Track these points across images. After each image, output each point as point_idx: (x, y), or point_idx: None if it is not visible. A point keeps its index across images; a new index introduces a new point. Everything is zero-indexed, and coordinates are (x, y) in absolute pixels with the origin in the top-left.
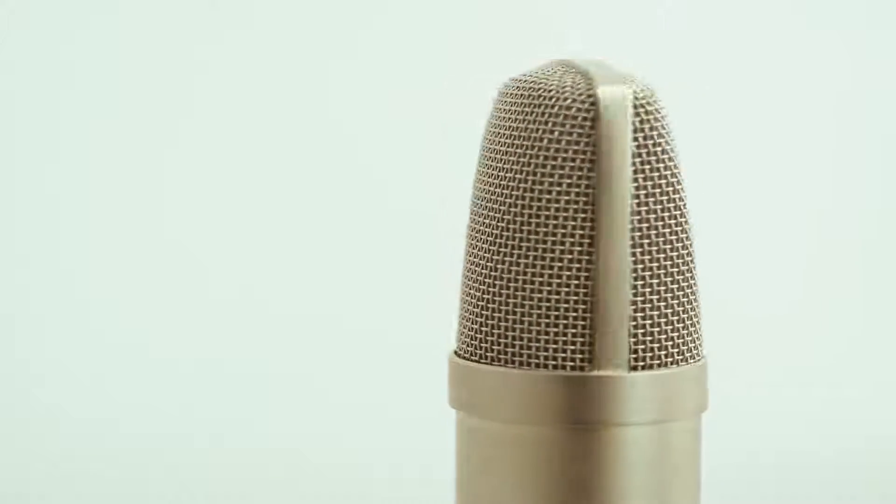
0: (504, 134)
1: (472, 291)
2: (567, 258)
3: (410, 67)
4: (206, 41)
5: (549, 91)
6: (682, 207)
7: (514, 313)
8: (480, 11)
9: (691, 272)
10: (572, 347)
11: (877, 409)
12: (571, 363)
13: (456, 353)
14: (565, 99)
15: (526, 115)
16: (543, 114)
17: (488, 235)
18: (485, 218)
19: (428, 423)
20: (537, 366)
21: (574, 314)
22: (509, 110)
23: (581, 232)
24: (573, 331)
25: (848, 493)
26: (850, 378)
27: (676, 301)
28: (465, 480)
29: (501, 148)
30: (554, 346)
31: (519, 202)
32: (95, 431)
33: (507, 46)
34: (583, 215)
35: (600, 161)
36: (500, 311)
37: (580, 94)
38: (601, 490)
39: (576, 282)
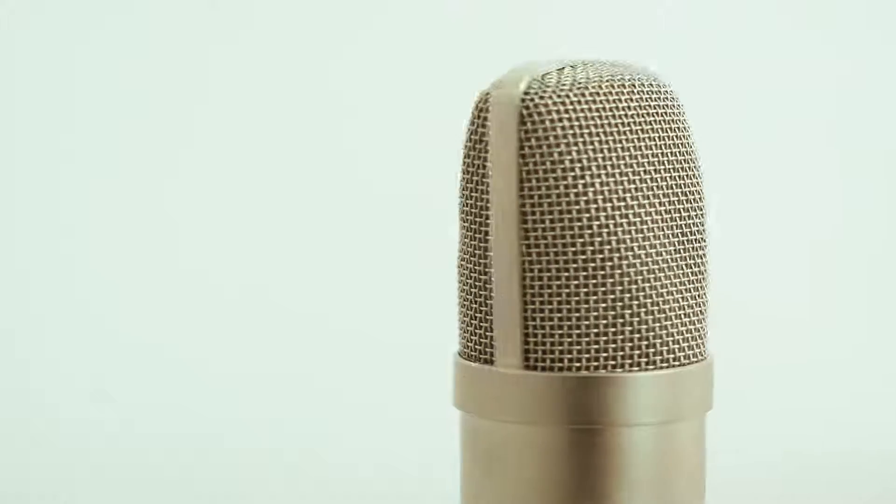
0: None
1: (472, 293)
2: (479, 259)
3: (411, 68)
4: (205, 41)
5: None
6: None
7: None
8: (480, 11)
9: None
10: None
11: (883, 408)
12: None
13: (459, 354)
14: (475, 100)
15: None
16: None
17: (464, 238)
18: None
19: (431, 423)
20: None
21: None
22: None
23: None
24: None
25: (855, 492)
26: (856, 377)
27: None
28: (470, 480)
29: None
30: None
31: (467, 204)
32: (95, 431)
33: (506, 46)
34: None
35: (491, 163)
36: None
37: (482, 97)
38: (605, 490)
39: (479, 280)
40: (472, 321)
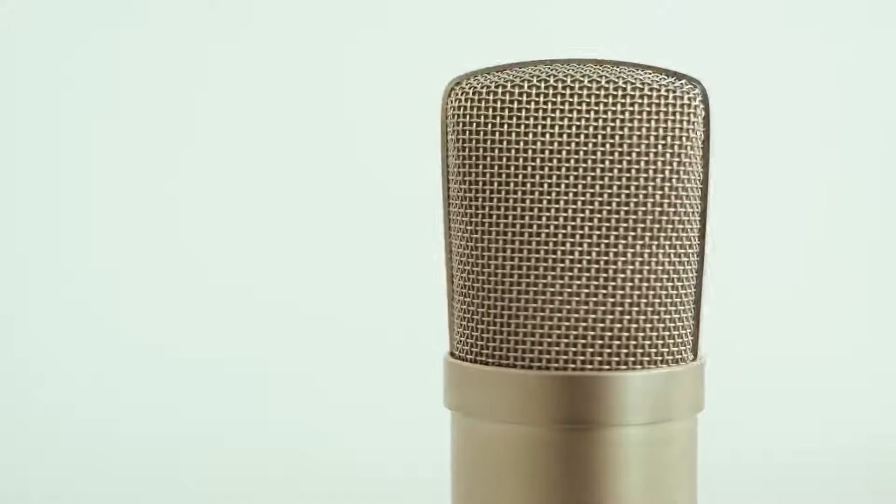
0: (600, 132)
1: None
2: (692, 253)
3: (412, 68)
4: (204, 41)
5: (663, 92)
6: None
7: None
8: (481, 10)
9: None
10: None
11: (877, 407)
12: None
13: (451, 354)
14: (688, 101)
15: (631, 114)
16: (673, 113)
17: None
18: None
19: (425, 423)
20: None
21: (684, 307)
22: (595, 109)
23: (698, 227)
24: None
25: (848, 490)
26: (851, 377)
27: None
28: (461, 480)
29: (602, 145)
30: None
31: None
32: (95, 431)
33: (507, 46)
34: (695, 210)
35: (707, 159)
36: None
37: (697, 95)
38: (597, 490)
39: (692, 275)
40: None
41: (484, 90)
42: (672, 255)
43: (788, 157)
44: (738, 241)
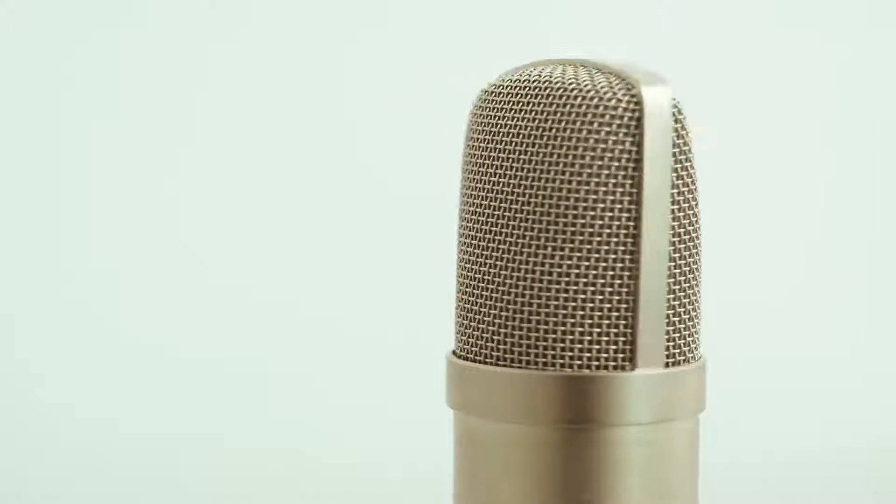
0: (519, 133)
1: (468, 292)
2: (612, 257)
3: (412, 68)
4: (205, 41)
5: (589, 91)
6: (696, 208)
7: (511, 313)
8: (481, 10)
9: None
10: (614, 347)
11: (877, 407)
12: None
13: (454, 353)
14: (609, 99)
15: (555, 114)
16: (585, 114)
17: (485, 235)
18: (481, 217)
19: (427, 422)
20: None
21: (616, 313)
22: (526, 109)
23: (625, 231)
24: (616, 330)
25: (848, 490)
26: (849, 377)
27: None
28: (463, 480)
29: (518, 147)
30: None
31: (547, 202)
32: (95, 431)
33: (507, 46)
34: (625, 214)
35: (645, 160)
36: (496, 312)
37: (625, 95)
38: (598, 490)
39: (619, 280)
40: (471, 320)
41: (484, 94)
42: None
43: (787, 156)
44: (736, 240)
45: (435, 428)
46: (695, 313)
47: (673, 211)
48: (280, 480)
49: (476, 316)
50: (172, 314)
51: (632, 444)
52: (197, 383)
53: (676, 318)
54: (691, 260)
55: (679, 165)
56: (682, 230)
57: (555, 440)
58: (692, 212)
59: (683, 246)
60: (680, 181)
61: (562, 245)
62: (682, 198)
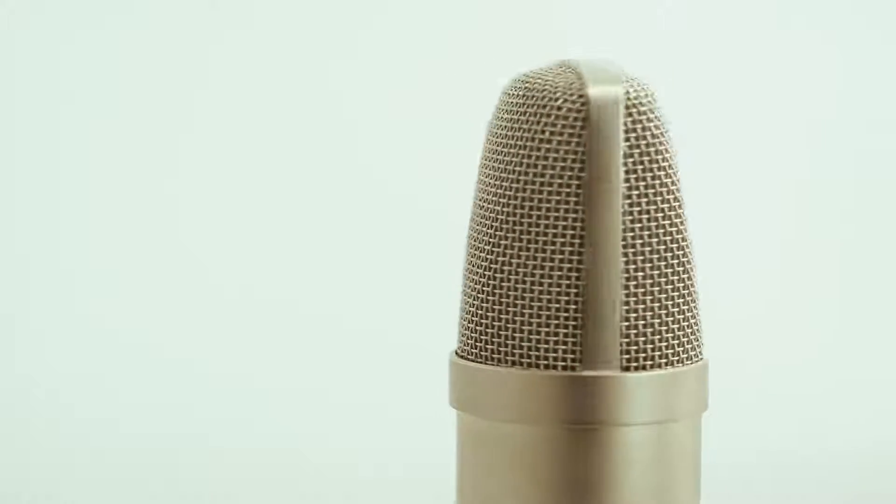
0: (501, 134)
1: (471, 291)
2: (558, 258)
3: (412, 68)
4: (205, 41)
5: (543, 90)
6: (677, 209)
7: (511, 313)
8: (482, 10)
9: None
10: (564, 347)
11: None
12: (563, 363)
13: (457, 352)
14: (556, 98)
15: (520, 114)
16: (536, 113)
17: (485, 235)
18: (482, 217)
19: (428, 422)
20: (535, 366)
21: (566, 314)
22: (507, 110)
23: (572, 232)
24: (565, 330)
25: (847, 492)
26: (853, 377)
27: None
28: (466, 480)
29: (498, 148)
30: (547, 345)
31: (512, 201)
32: (95, 431)
33: (507, 46)
34: (573, 215)
35: (591, 161)
36: (497, 311)
37: (572, 94)
38: (600, 490)
39: (567, 282)
40: (475, 320)
41: (646, 97)
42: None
43: (789, 156)
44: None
45: (435, 428)
46: (694, 312)
47: (643, 212)
48: (280, 480)
49: (478, 316)
50: (172, 314)
51: (634, 445)
52: (197, 383)
53: (674, 318)
54: (675, 262)
55: (641, 167)
56: (661, 231)
57: (558, 440)
58: (673, 213)
59: (664, 247)
60: (643, 182)
61: (528, 246)
62: (653, 199)
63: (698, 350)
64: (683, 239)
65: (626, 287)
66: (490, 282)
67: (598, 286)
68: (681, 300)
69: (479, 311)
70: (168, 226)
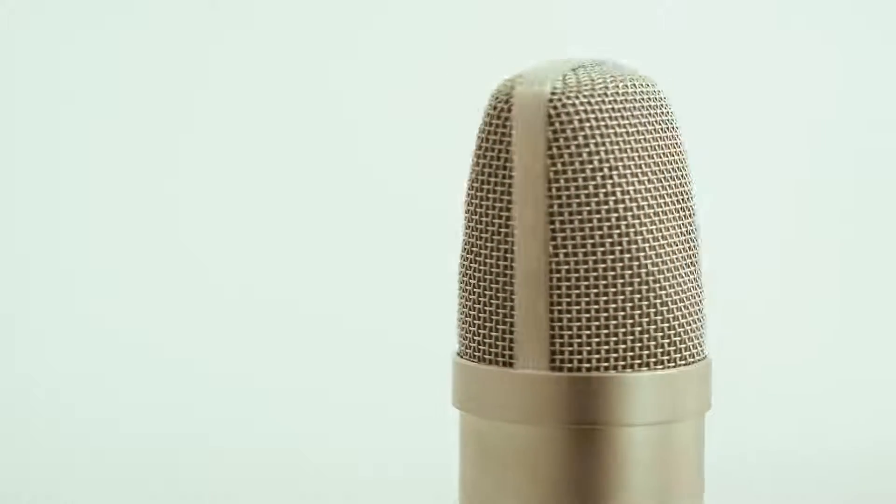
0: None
1: (461, 292)
2: (502, 258)
3: (412, 68)
4: (205, 41)
5: (491, 94)
6: (618, 208)
7: (488, 312)
8: (482, 11)
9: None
10: (503, 345)
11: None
12: (501, 360)
13: (459, 353)
14: (492, 101)
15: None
16: (484, 115)
17: (465, 236)
18: (465, 219)
19: (426, 423)
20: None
21: (503, 312)
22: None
23: (506, 230)
24: (503, 328)
25: (847, 492)
26: (855, 377)
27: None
28: (469, 480)
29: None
30: (496, 343)
31: (473, 202)
32: (95, 431)
33: (507, 46)
34: (506, 213)
35: (515, 161)
36: (476, 311)
37: (502, 97)
38: (604, 490)
39: (503, 280)
40: (475, 321)
41: (596, 93)
42: (683, 254)
43: (789, 157)
44: (737, 241)
45: (435, 428)
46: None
47: (681, 210)
48: (280, 480)
49: (484, 317)
50: (172, 314)
51: (638, 444)
52: (197, 383)
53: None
54: (695, 259)
55: (571, 167)
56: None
57: (561, 441)
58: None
59: (689, 245)
60: (573, 183)
61: (487, 245)
62: (585, 200)
63: (701, 349)
64: (697, 237)
65: (557, 286)
66: (470, 281)
67: (524, 285)
68: (691, 300)
69: (464, 311)
70: (168, 226)
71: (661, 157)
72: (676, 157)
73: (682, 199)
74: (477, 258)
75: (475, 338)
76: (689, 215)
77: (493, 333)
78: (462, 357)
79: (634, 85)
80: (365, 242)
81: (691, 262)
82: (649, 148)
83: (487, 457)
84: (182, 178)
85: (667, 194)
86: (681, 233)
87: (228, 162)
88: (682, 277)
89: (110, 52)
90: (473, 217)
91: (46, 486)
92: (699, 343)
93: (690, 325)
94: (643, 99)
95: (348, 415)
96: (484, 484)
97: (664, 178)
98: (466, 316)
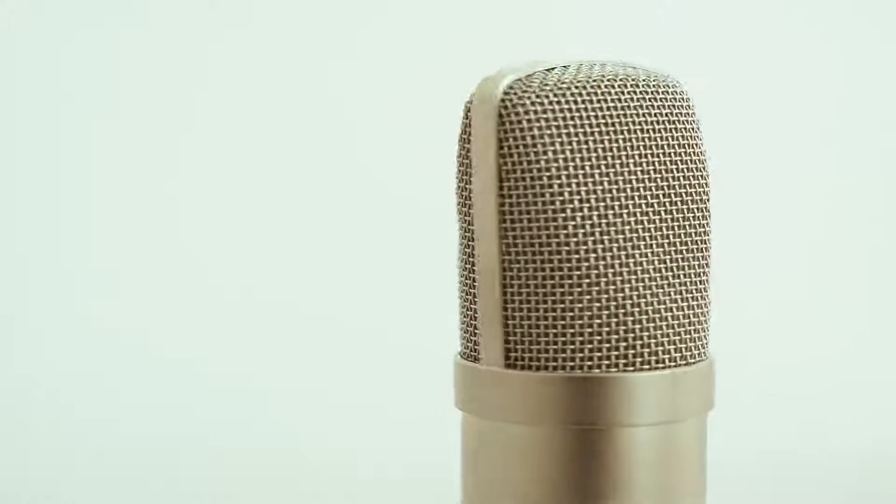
0: None
1: (463, 293)
2: (468, 259)
3: (412, 68)
4: (205, 41)
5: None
6: (564, 209)
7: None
8: (482, 11)
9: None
10: (471, 344)
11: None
12: (469, 360)
13: (460, 354)
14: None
15: None
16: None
17: (459, 236)
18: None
19: (428, 423)
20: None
21: (471, 313)
22: None
23: (470, 231)
24: (470, 328)
25: (847, 492)
26: (858, 377)
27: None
28: (471, 480)
29: None
30: (473, 344)
31: (458, 202)
32: (95, 431)
33: (507, 46)
34: (469, 214)
35: (469, 161)
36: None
37: (468, 99)
38: (606, 490)
39: (471, 280)
40: (470, 322)
41: (551, 94)
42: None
43: (789, 157)
44: (737, 241)
45: (435, 428)
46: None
47: (679, 210)
48: (280, 481)
49: (473, 317)
50: (172, 314)
51: (641, 444)
52: (197, 383)
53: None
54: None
55: (521, 167)
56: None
57: (564, 441)
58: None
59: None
60: (522, 183)
61: (463, 244)
62: (533, 199)
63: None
64: (705, 238)
65: (511, 285)
66: (459, 281)
67: (482, 283)
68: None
69: (460, 312)
70: (168, 226)
71: (649, 157)
72: (679, 156)
73: (683, 199)
74: (461, 257)
75: (473, 339)
76: (679, 218)
77: (468, 331)
78: (463, 358)
79: (616, 85)
80: (365, 242)
81: (689, 263)
82: (626, 147)
83: (490, 458)
84: (182, 178)
85: (636, 195)
86: (675, 233)
87: (228, 162)
88: (676, 278)
89: (110, 52)
90: (458, 216)
91: (46, 486)
92: (699, 343)
93: (686, 325)
94: (627, 98)
95: (348, 415)
96: (485, 485)
97: (634, 180)
98: (463, 317)
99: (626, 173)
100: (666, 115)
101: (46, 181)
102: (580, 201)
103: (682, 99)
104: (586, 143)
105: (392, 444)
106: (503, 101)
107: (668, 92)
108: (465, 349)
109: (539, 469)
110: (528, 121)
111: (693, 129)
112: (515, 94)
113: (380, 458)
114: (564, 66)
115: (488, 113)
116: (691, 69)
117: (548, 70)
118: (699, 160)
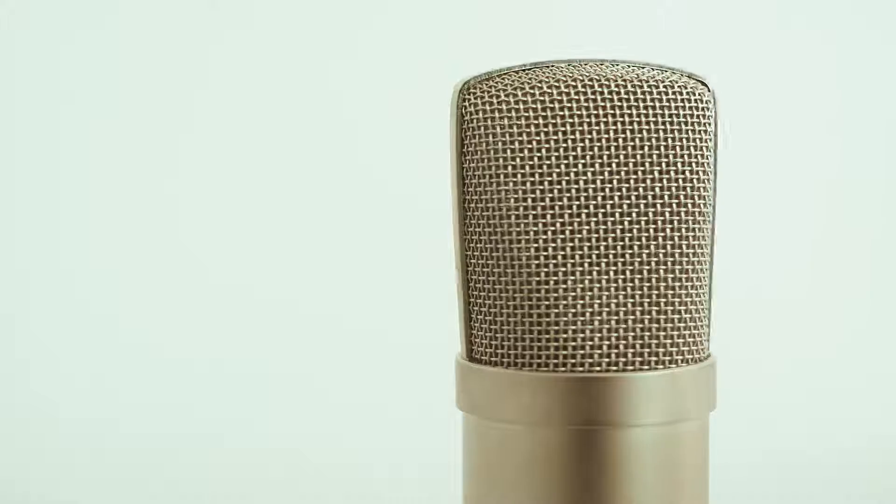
0: None
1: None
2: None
3: (411, 68)
4: (205, 41)
5: None
6: (518, 208)
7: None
8: (482, 10)
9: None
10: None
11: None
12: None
13: (463, 355)
14: None
15: None
16: None
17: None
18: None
19: (429, 423)
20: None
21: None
22: None
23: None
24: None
25: (854, 491)
26: (860, 377)
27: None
28: (473, 481)
29: None
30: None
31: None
32: (95, 431)
33: (508, 46)
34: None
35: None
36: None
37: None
38: (608, 491)
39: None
40: (470, 322)
41: (518, 92)
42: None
43: (791, 156)
44: (739, 240)
45: (436, 429)
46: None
47: (476, 208)
48: (280, 481)
49: (486, 318)
50: (172, 314)
51: (644, 444)
52: (197, 383)
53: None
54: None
55: (474, 164)
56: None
57: (566, 441)
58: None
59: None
60: (475, 180)
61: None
62: (482, 196)
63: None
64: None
65: (471, 280)
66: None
67: (457, 279)
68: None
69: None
70: (168, 226)
71: (602, 160)
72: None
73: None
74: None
75: (473, 339)
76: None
77: (468, 331)
78: (464, 359)
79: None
80: (365, 242)
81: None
82: (579, 150)
83: (491, 458)
84: (182, 178)
85: (583, 196)
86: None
87: (228, 162)
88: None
89: (110, 52)
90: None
91: (46, 486)
92: (700, 343)
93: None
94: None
95: (348, 415)
96: (487, 485)
97: (584, 181)
98: (475, 318)
99: (589, 174)
100: (648, 114)
101: (46, 181)
102: (513, 202)
103: (683, 99)
104: (526, 144)
105: (392, 445)
106: (464, 100)
107: (664, 92)
108: (469, 350)
109: (539, 469)
110: (478, 120)
111: (692, 129)
112: (472, 93)
113: (380, 458)
114: (530, 68)
115: (453, 110)
116: (691, 69)
117: (514, 72)
118: (697, 160)
